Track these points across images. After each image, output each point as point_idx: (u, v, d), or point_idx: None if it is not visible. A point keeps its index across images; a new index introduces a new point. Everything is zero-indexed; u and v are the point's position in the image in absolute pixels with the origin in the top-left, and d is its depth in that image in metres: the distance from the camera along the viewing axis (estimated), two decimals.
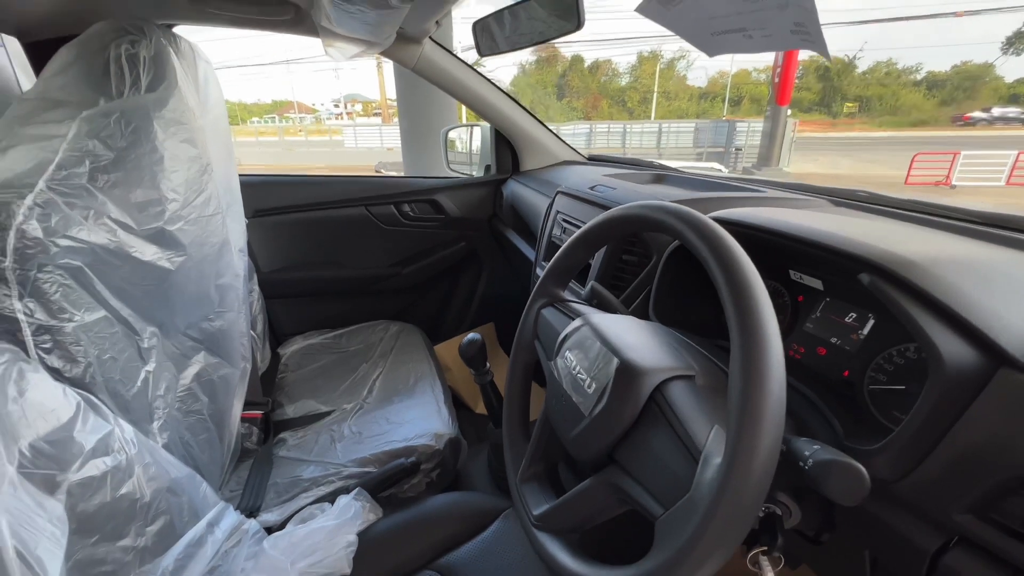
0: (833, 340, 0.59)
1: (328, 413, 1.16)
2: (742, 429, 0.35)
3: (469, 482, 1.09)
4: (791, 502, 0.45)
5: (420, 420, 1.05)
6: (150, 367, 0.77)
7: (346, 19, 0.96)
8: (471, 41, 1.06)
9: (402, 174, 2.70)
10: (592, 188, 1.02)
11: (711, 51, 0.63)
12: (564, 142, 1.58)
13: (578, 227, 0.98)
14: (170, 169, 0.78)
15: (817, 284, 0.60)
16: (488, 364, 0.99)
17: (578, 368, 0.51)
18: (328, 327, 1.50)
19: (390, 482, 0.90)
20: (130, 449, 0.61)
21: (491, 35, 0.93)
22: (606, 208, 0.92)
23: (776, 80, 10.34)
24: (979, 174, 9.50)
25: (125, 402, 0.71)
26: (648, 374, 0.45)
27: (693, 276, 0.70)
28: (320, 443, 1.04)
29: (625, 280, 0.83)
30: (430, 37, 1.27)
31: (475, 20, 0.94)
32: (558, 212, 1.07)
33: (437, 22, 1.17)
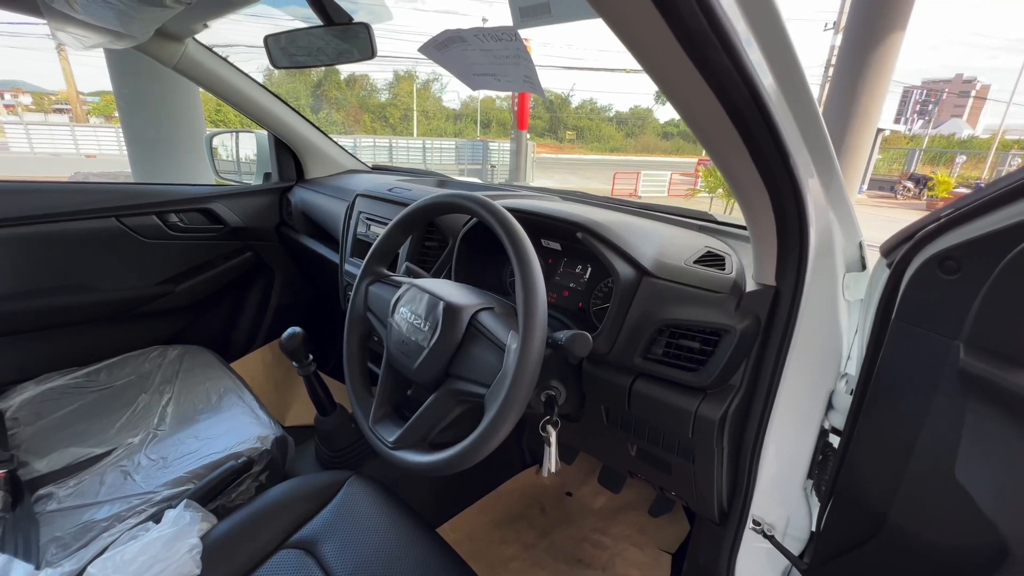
0: (571, 285, 0.91)
1: (106, 453, 1.00)
2: (527, 326, 0.58)
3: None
4: (560, 385, 0.72)
5: (238, 428, 1.01)
6: None
7: (97, 6, 0.88)
8: None
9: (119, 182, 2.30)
10: (390, 190, 1.17)
11: (473, 87, 0.88)
12: (348, 152, 1.67)
13: (382, 223, 1.13)
14: None
15: (556, 246, 0.91)
16: (311, 356, 1.03)
17: (412, 316, 0.67)
18: (76, 364, 1.24)
19: (221, 487, 0.87)
20: None
21: (281, 49, 0.99)
22: (407, 205, 1.09)
23: (515, 108, 12.19)
24: (653, 188, 13.57)
25: None
26: (466, 308, 0.65)
27: (480, 252, 0.94)
28: (108, 483, 0.91)
29: (428, 262, 1.02)
30: (193, 37, 1.21)
31: (266, 35, 0.98)
32: (360, 212, 1.18)
33: (206, 23, 1.14)
